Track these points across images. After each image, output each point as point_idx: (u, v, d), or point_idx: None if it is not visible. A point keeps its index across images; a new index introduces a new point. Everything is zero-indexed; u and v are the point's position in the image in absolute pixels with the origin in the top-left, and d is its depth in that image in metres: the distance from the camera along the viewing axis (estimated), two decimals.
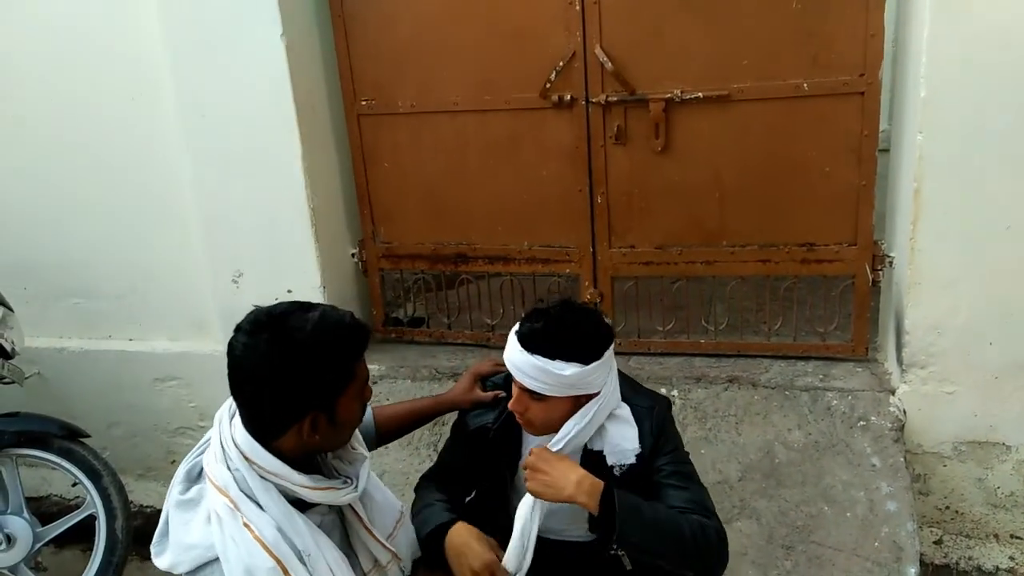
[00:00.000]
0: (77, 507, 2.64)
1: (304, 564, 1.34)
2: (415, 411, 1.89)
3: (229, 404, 1.43)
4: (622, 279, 2.79)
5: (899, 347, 2.43)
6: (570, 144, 2.68)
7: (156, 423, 3.21)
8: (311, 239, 2.80)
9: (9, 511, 2.56)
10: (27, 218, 3.08)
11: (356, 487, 1.46)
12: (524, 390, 1.60)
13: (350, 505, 1.50)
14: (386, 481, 2.50)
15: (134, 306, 3.12)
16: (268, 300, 1.41)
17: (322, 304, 1.41)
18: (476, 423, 1.80)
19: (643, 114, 2.57)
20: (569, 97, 2.62)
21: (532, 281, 2.90)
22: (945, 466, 2.48)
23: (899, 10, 2.42)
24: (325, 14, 2.80)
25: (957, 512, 2.52)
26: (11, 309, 2.68)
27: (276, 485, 1.36)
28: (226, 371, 1.37)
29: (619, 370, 1.70)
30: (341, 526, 1.51)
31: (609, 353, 1.61)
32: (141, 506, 3.10)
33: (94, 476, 2.57)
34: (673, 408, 2.49)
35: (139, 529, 2.65)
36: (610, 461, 1.65)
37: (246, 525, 1.33)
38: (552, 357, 1.55)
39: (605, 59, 2.54)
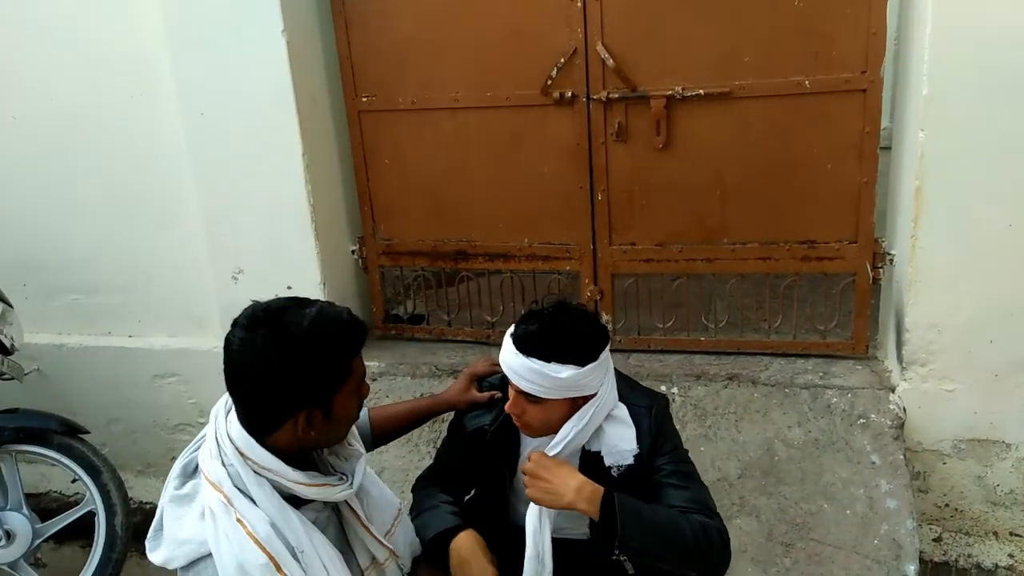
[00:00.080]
0: (77, 503, 2.64)
1: (297, 560, 1.34)
2: (411, 412, 1.88)
3: (225, 400, 1.43)
4: (622, 276, 2.79)
5: (899, 345, 2.43)
6: (571, 141, 2.67)
7: (156, 419, 3.21)
8: (311, 236, 2.79)
9: (9, 507, 2.56)
10: (27, 215, 3.08)
11: (351, 484, 1.46)
12: (520, 393, 1.59)
13: (346, 502, 1.49)
14: (385, 478, 2.51)
15: (134, 303, 3.12)
16: (268, 297, 1.41)
17: (320, 300, 1.40)
18: (473, 424, 1.78)
19: (644, 111, 2.56)
20: (570, 94, 2.61)
21: (532, 278, 2.90)
22: (945, 464, 2.48)
23: (901, 7, 2.41)
24: (326, 11, 2.79)
25: (957, 510, 2.52)
26: (11, 305, 2.68)
27: (270, 481, 1.36)
28: None
29: (616, 369, 1.70)
30: (338, 523, 1.51)
31: (605, 354, 1.60)
32: (141, 502, 3.10)
33: (94, 472, 2.56)
34: (673, 405, 2.51)
35: (138, 525, 2.65)
36: (608, 462, 1.64)
37: (239, 521, 1.33)
38: (548, 360, 1.54)
39: (606, 56, 2.53)
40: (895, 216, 2.51)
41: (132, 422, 3.23)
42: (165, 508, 1.42)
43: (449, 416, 1.89)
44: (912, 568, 2.13)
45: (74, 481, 2.65)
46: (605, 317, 2.81)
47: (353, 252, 3.05)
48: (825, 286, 2.65)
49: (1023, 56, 2.10)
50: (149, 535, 1.41)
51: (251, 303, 1.38)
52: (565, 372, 1.53)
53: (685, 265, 2.69)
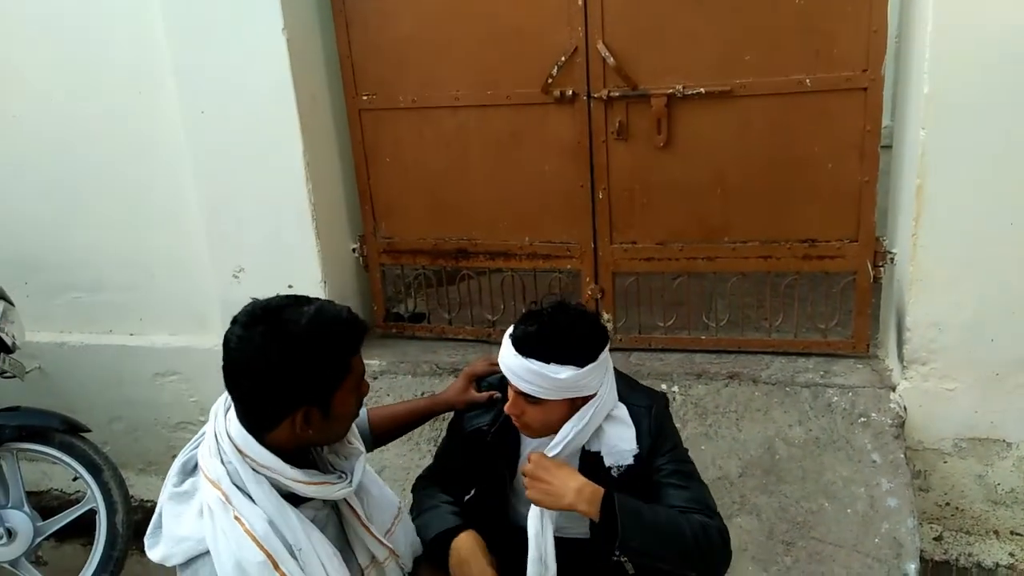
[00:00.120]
0: (78, 501, 2.65)
1: (295, 558, 1.34)
2: (410, 412, 1.88)
3: (225, 398, 1.43)
4: (623, 275, 2.78)
5: (900, 343, 2.43)
6: (572, 140, 2.67)
7: (157, 418, 3.21)
8: (312, 234, 2.80)
9: (10, 505, 2.57)
10: (28, 213, 3.08)
11: (350, 482, 1.46)
12: (520, 393, 1.58)
13: (346, 500, 1.49)
14: (386, 476, 2.51)
15: (135, 301, 3.12)
16: (269, 295, 1.41)
17: (320, 299, 1.40)
18: (472, 425, 1.78)
19: (645, 110, 2.56)
20: (571, 92, 2.61)
21: (533, 277, 2.90)
22: (945, 462, 2.48)
23: (902, 5, 2.41)
24: (326, 9, 2.79)
25: (957, 508, 2.52)
26: (12, 303, 2.68)
27: (269, 479, 1.36)
28: None
29: (616, 368, 1.69)
30: (337, 522, 1.51)
31: (605, 355, 1.60)
32: (142, 500, 3.09)
33: (95, 470, 2.57)
34: (674, 404, 2.51)
35: (140, 523, 2.65)
36: (608, 462, 1.64)
37: (237, 518, 1.33)
38: (547, 361, 1.53)
39: (607, 54, 2.53)
40: (896, 215, 2.50)
41: (133, 420, 3.23)
42: (164, 505, 1.42)
43: (450, 415, 1.89)
44: (913, 567, 2.12)
45: (75, 479, 2.65)
46: (606, 316, 2.81)
47: (354, 250, 3.05)
48: (826, 285, 2.65)
49: None
50: (148, 532, 1.41)
51: (251, 301, 1.38)
52: (564, 373, 1.53)
53: (686, 264, 2.69)
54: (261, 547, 1.31)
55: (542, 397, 1.56)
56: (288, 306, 1.35)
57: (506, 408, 1.63)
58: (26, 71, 2.92)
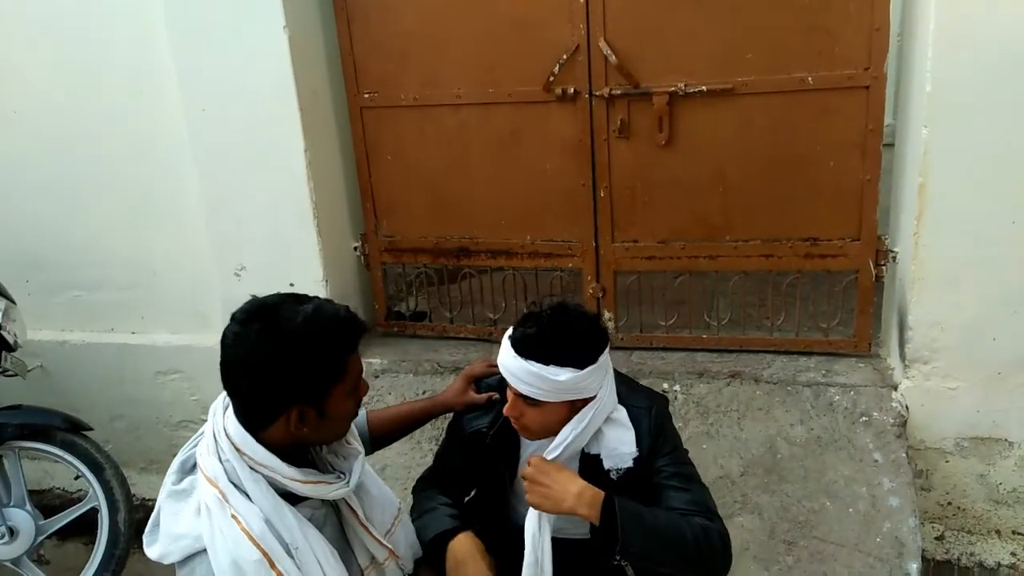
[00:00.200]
0: (80, 500, 2.65)
1: (291, 557, 1.34)
2: (409, 414, 1.88)
3: (224, 396, 1.43)
4: (625, 274, 2.78)
5: (902, 343, 2.43)
6: (573, 138, 2.67)
7: (158, 416, 3.21)
8: (313, 233, 2.79)
9: (12, 504, 2.57)
10: (29, 211, 3.08)
11: (348, 482, 1.45)
12: (519, 395, 1.58)
13: (345, 501, 1.49)
14: (388, 475, 2.51)
15: (137, 299, 3.12)
16: (270, 293, 1.41)
17: (319, 298, 1.40)
18: (472, 427, 1.77)
19: (647, 108, 2.56)
20: (572, 90, 2.61)
21: (535, 275, 2.90)
22: (947, 462, 2.48)
23: (904, 3, 2.40)
24: (328, 6, 2.79)
25: (959, 508, 2.52)
26: (13, 302, 2.68)
27: (266, 477, 1.36)
28: None
29: (615, 369, 1.68)
30: (337, 521, 1.51)
31: (605, 357, 1.59)
32: (143, 499, 3.10)
33: (96, 469, 2.57)
34: (675, 403, 2.51)
35: (141, 522, 2.60)
36: (607, 465, 1.63)
37: (234, 516, 1.33)
38: (547, 363, 1.52)
39: (609, 52, 2.53)
40: (898, 213, 2.50)
41: (135, 419, 3.23)
42: (162, 503, 1.42)
43: (450, 415, 1.88)
44: (914, 566, 2.12)
45: (77, 478, 2.65)
46: (607, 314, 2.81)
47: (355, 249, 3.05)
48: (828, 284, 2.65)
49: None
50: (146, 530, 1.42)
51: (250, 297, 1.38)
52: (564, 375, 1.52)
53: (687, 262, 2.69)
54: (257, 545, 1.31)
55: (541, 399, 1.55)
56: (285, 304, 1.35)
57: (505, 410, 1.63)
58: (26, 71, 2.92)
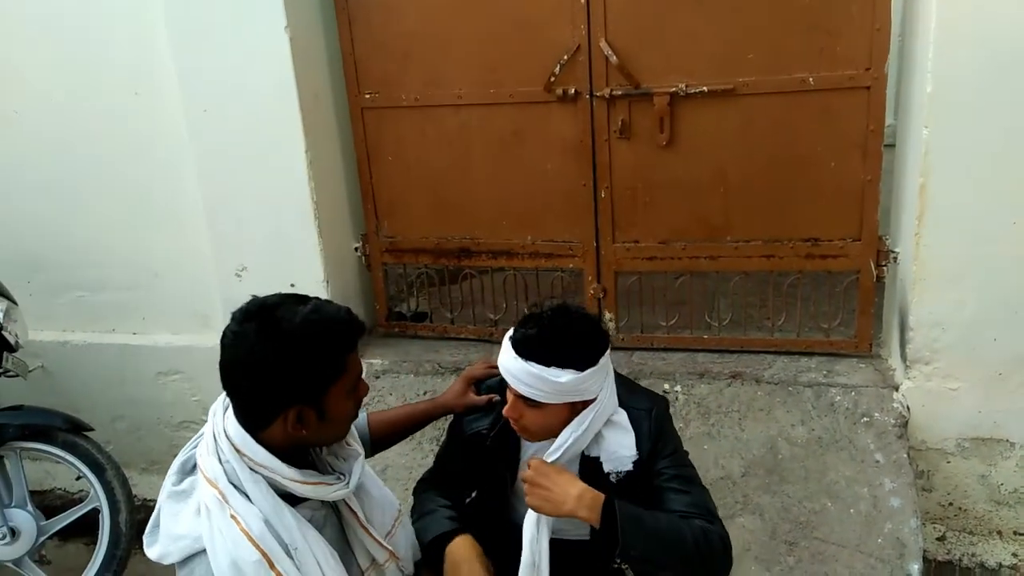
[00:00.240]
0: (81, 500, 2.65)
1: (291, 557, 1.34)
2: (409, 416, 1.87)
3: (224, 397, 1.43)
4: (625, 274, 2.78)
5: (903, 343, 2.43)
6: (574, 138, 2.67)
7: (159, 417, 3.21)
8: (314, 233, 2.80)
9: (13, 504, 2.57)
10: (31, 212, 3.08)
11: (348, 483, 1.45)
12: (519, 397, 1.57)
13: (345, 502, 1.49)
14: (389, 476, 2.51)
15: (138, 300, 3.12)
16: (270, 294, 1.41)
17: (319, 298, 1.40)
18: (472, 429, 1.77)
19: (647, 108, 2.56)
20: (573, 91, 2.61)
21: (536, 276, 2.90)
22: (948, 462, 2.47)
23: (905, 3, 2.40)
24: (329, 7, 2.79)
25: (960, 509, 2.51)
26: (15, 302, 2.68)
27: (266, 478, 1.36)
28: None
29: (616, 371, 1.68)
30: (337, 523, 1.51)
31: (605, 359, 1.59)
32: (145, 499, 3.09)
33: (98, 470, 2.57)
34: (676, 403, 2.51)
35: (143, 522, 2.60)
36: (607, 468, 1.63)
37: (233, 517, 1.33)
38: (547, 364, 1.52)
39: (610, 52, 2.53)
40: (899, 214, 2.50)
41: (136, 419, 3.23)
42: (162, 504, 1.42)
43: (451, 416, 1.88)
44: (916, 567, 2.12)
45: (78, 478, 2.66)
46: (608, 315, 2.81)
47: (356, 249, 3.05)
48: (829, 284, 2.65)
49: None
50: (147, 531, 1.42)
51: (251, 297, 1.38)
52: (565, 376, 1.52)
53: (688, 263, 2.69)
54: (257, 546, 1.31)
55: (542, 401, 1.55)
56: (285, 304, 1.35)
57: (504, 411, 1.62)
58: (26, 71, 2.92)
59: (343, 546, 1.49)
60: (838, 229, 2.53)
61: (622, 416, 1.64)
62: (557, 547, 1.63)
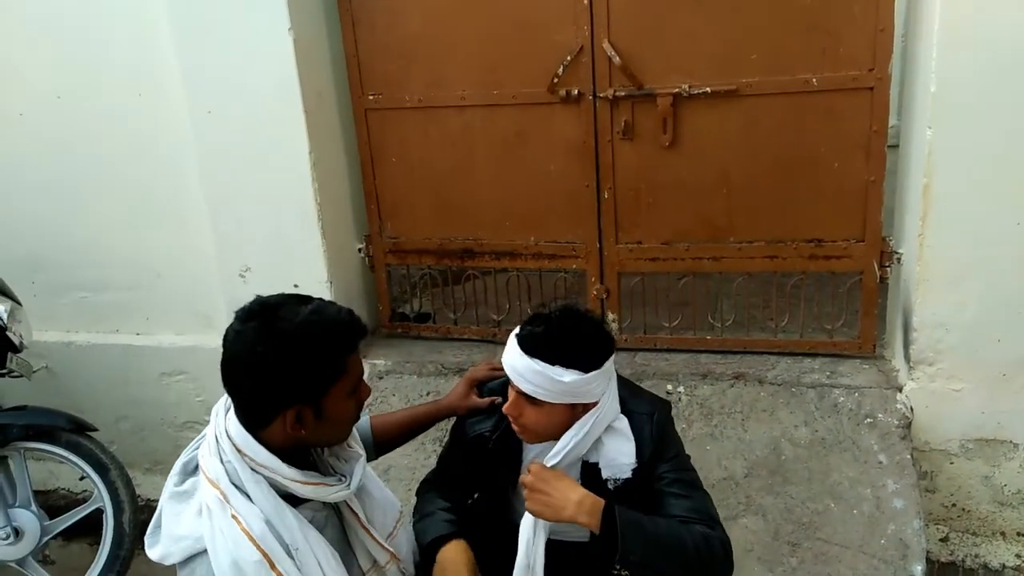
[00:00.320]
0: (85, 501, 2.66)
1: (292, 558, 1.34)
2: (411, 419, 1.88)
3: (226, 398, 1.43)
4: (629, 275, 2.78)
5: (907, 344, 2.43)
6: (577, 139, 2.67)
7: (163, 417, 3.22)
8: (318, 234, 2.80)
9: (17, 504, 2.57)
10: (35, 212, 3.09)
11: (349, 484, 1.45)
12: (521, 394, 1.57)
13: (347, 503, 1.49)
14: (392, 477, 2.52)
15: (142, 300, 3.13)
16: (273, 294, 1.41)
17: (322, 299, 1.40)
18: (474, 431, 1.77)
19: (651, 109, 2.56)
20: (576, 92, 2.61)
21: (539, 277, 2.90)
22: (952, 463, 2.47)
23: (909, 4, 2.40)
24: (333, 8, 2.79)
25: (964, 510, 2.51)
26: (19, 303, 2.68)
27: (267, 478, 1.36)
28: None
29: (618, 373, 1.68)
30: (338, 523, 1.51)
31: (609, 364, 1.59)
32: (148, 500, 3.10)
33: (102, 470, 2.57)
34: (679, 404, 2.51)
35: (146, 523, 2.61)
36: (605, 475, 1.63)
37: (234, 517, 1.33)
38: (552, 362, 1.52)
39: (613, 53, 2.53)
40: (903, 214, 2.50)
41: (140, 420, 3.24)
42: (164, 505, 1.42)
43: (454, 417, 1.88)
44: (919, 568, 2.12)
45: (82, 479, 2.66)
46: (611, 316, 2.81)
47: (360, 250, 3.06)
48: (832, 285, 2.65)
49: None
50: (148, 531, 1.42)
51: (255, 297, 1.39)
52: (568, 376, 1.52)
53: (691, 264, 2.69)
54: (258, 546, 1.32)
55: (543, 399, 1.55)
56: (287, 304, 1.36)
57: (504, 408, 1.62)
58: (26, 71, 2.92)
59: (344, 547, 1.49)
60: (842, 230, 2.53)
61: (623, 423, 1.64)
62: (556, 548, 1.63)
